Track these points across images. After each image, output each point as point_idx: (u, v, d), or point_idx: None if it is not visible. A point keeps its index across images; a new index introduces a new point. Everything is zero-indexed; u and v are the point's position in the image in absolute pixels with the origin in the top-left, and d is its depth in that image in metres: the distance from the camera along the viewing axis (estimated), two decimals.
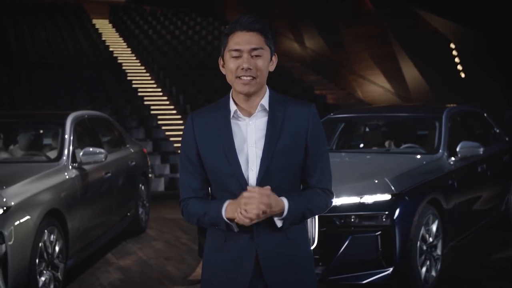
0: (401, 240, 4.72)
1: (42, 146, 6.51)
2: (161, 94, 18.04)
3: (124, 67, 19.68)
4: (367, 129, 7.01)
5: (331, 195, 2.42)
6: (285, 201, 2.22)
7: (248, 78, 2.23)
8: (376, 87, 18.70)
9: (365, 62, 18.63)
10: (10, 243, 4.33)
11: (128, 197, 7.14)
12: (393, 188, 4.83)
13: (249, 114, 2.30)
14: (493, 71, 14.58)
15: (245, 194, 2.16)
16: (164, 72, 18.42)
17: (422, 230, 4.96)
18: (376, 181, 4.90)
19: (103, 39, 22.90)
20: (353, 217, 4.74)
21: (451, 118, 6.21)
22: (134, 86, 17.88)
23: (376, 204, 4.76)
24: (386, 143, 6.65)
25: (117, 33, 24.50)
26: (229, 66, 2.26)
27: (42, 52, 19.93)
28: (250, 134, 2.28)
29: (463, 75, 15.90)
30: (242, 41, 2.25)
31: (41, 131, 6.81)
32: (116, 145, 7.37)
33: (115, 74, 18.54)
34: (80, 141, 6.30)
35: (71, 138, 5.87)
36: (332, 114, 7.09)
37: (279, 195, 2.23)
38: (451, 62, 15.95)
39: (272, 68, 2.34)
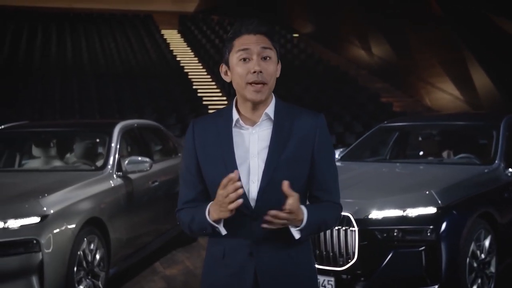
0: (448, 256, 4.45)
1: (97, 154, 6.59)
2: (226, 103, 18.15)
3: (190, 76, 19.94)
4: (420, 139, 6.72)
5: (340, 209, 2.27)
6: (304, 210, 2.07)
7: (260, 84, 2.10)
8: (445, 94, 18.12)
9: (433, 68, 18.10)
10: (47, 251, 4.38)
11: None
12: (439, 201, 4.56)
13: (253, 123, 2.17)
14: None
15: (224, 181, 2.00)
16: None
17: (473, 246, 4.67)
18: (421, 193, 4.65)
19: (171, 48, 23.33)
20: (396, 231, 4.50)
21: (511, 126, 5.86)
22: (199, 94, 18.09)
23: (421, 217, 4.51)
24: (445, 153, 6.35)
25: (185, 43, 24.91)
26: (237, 70, 2.11)
27: (111, 62, 20.48)
28: (252, 144, 2.15)
29: None
30: (250, 41, 2.12)
31: (98, 140, 6.92)
32: (167, 154, 7.38)
33: (181, 83, 18.82)
34: (128, 150, 6.34)
35: (117, 146, 5.91)
36: (385, 122, 6.85)
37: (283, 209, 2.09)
38: None
39: (277, 74, 2.21)
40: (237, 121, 2.17)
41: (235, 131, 2.17)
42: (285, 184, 1.99)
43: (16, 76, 17.68)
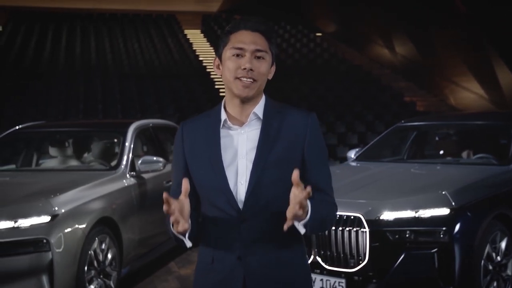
0: (461, 258, 4.36)
1: (114, 154, 6.62)
2: None
3: (212, 76, 19.96)
4: (436, 138, 6.61)
5: (336, 208, 2.21)
6: (308, 204, 1.97)
7: (249, 80, 2.05)
8: (470, 93, 17.85)
9: (457, 67, 17.84)
10: (57, 250, 4.39)
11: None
12: (452, 202, 4.47)
13: (241, 124, 2.12)
14: None
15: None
16: None
17: (488, 248, 4.57)
18: (435, 194, 4.56)
19: (194, 48, 23.39)
20: (408, 232, 4.43)
21: None
22: (221, 94, 18.08)
23: (433, 218, 4.42)
24: (464, 153, 6.23)
25: (208, 43, 24.96)
26: (228, 65, 2.07)
27: (135, 62, 20.61)
28: (241, 145, 2.10)
29: None
30: (247, 39, 2.07)
31: (115, 140, 6.94)
32: None
33: (203, 82, 18.85)
34: (144, 150, 6.34)
35: (131, 146, 5.92)
36: (402, 121, 6.75)
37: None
38: None
39: (270, 76, 2.17)
40: (225, 121, 2.13)
41: (223, 131, 2.13)
42: (295, 174, 1.89)
43: (40, 76, 17.89)
